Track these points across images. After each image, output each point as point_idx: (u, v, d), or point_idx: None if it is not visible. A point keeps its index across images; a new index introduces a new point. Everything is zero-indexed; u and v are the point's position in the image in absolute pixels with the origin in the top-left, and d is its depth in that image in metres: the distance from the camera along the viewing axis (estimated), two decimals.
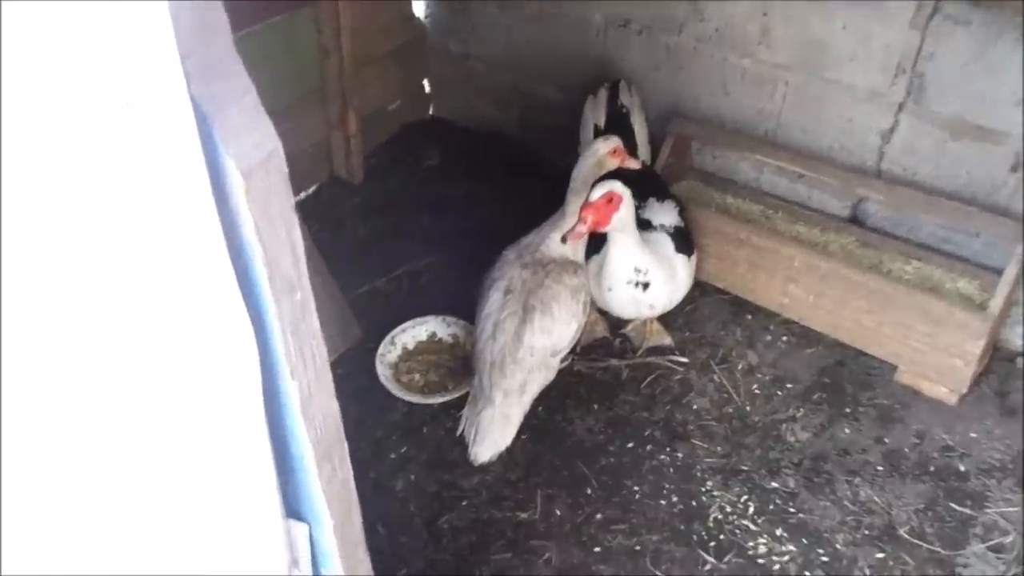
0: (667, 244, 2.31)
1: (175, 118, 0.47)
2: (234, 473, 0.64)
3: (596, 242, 2.28)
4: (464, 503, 2.13)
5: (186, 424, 0.61)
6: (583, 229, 2.03)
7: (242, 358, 0.58)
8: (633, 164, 2.34)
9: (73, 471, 0.59)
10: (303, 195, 3.11)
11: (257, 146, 0.52)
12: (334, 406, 0.68)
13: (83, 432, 0.58)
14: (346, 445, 0.72)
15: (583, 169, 2.29)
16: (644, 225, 2.35)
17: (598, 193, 2.06)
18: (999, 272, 2.29)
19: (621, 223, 2.10)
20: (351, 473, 0.74)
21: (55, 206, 0.48)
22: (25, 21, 0.43)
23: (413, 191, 3.17)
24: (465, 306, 2.39)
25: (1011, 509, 2.10)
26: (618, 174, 2.36)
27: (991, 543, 2.02)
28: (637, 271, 2.20)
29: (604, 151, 2.28)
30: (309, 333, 0.62)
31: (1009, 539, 2.03)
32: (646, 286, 2.22)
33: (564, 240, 2.09)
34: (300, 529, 0.71)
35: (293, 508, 0.71)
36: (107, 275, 0.52)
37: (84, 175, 0.47)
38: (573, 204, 2.21)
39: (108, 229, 0.50)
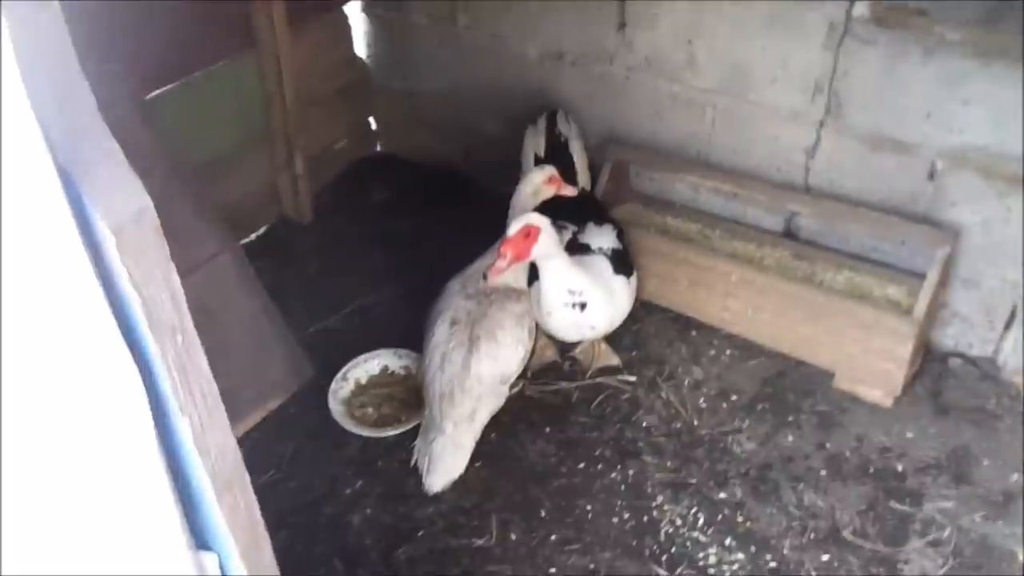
0: (605, 266, 2.38)
1: (41, 185, 0.52)
2: (136, 508, 0.68)
3: (537, 268, 2.35)
4: (420, 533, 2.15)
5: (83, 465, 0.65)
6: (503, 264, 2.08)
7: (130, 398, 0.62)
8: (569, 191, 2.42)
9: None
10: (253, 236, 3.14)
11: (127, 203, 0.57)
12: (230, 440, 0.72)
13: None
14: (247, 476, 0.76)
15: (520, 198, 2.37)
16: (583, 249, 2.42)
17: (515, 228, 2.11)
18: (925, 277, 2.39)
19: (544, 252, 2.16)
20: (255, 502, 0.77)
21: None
22: None
23: (363, 227, 3.22)
24: (418, 338, 2.43)
25: (947, 504, 2.17)
26: (556, 201, 2.45)
27: (929, 538, 2.09)
28: (571, 292, 2.26)
29: (539, 180, 2.36)
30: (196, 371, 0.67)
31: (946, 533, 2.10)
32: (583, 306, 2.28)
33: (485, 277, 2.13)
34: (210, 559, 0.75)
35: (202, 539, 0.75)
36: None
37: None
38: None
39: None
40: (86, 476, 0.67)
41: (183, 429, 0.66)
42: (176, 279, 0.63)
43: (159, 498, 0.68)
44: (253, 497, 0.77)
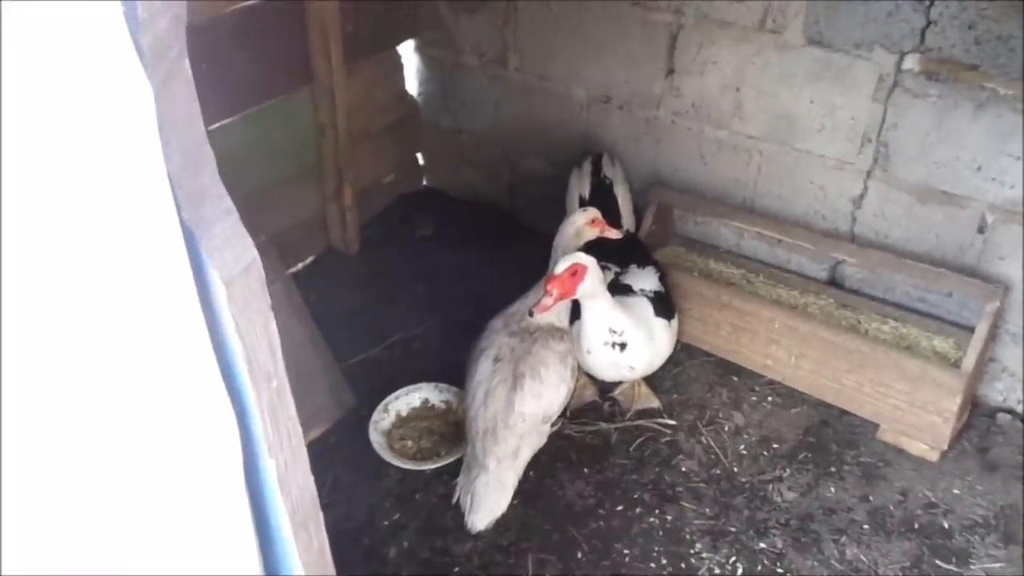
0: (646, 308, 2.39)
1: (166, 240, 0.56)
2: (218, 542, 0.71)
3: (579, 308, 2.37)
4: (456, 569, 2.15)
5: (175, 499, 0.68)
6: (549, 302, 2.11)
7: (224, 439, 0.65)
8: (612, 234, 2.44)
9: (73, 545, 0.66)
10: (300, 266, 3.21)
11: (238, 259, 0.61)
12: (309, 480, 0.75)
13: (86, 508, 0.65)
14: (321, 515, 0.79)
15: (563, 239, 2.40)
16: (625, 290, 2.44)
17: (562, 266, 2.15)
18: (973, 330, 2.36)
19: (589, 291, 2.18)
20: (327, 541, 0.80)
21: (68, 319, 0.56)
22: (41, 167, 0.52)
23: (407, 260, 3.27)
24: (458, 372, 2.46)
25: (995, 565, 2.13)
26: (599, 241, 2.47)
27: None
28: (612, 332, 2.28)
29: (582, 222, 2.39)
30: (285, 415, 0.70)
31: None
32: (623, 346, 2.29)
33: (531, 313, 2.16)
34: None
35: (274, 574, 0.78)
36: (110, 370, 0.60)
37: (93, 291, 0.56)
38: None
39: (112, 331, 0.58)
40: (173, 508, 0.70)
41: (269, 469, 0.69)
42: (273, 327, 0.66)
43: (239, 532, 0.71)
44: (325, 536, 0.79)
